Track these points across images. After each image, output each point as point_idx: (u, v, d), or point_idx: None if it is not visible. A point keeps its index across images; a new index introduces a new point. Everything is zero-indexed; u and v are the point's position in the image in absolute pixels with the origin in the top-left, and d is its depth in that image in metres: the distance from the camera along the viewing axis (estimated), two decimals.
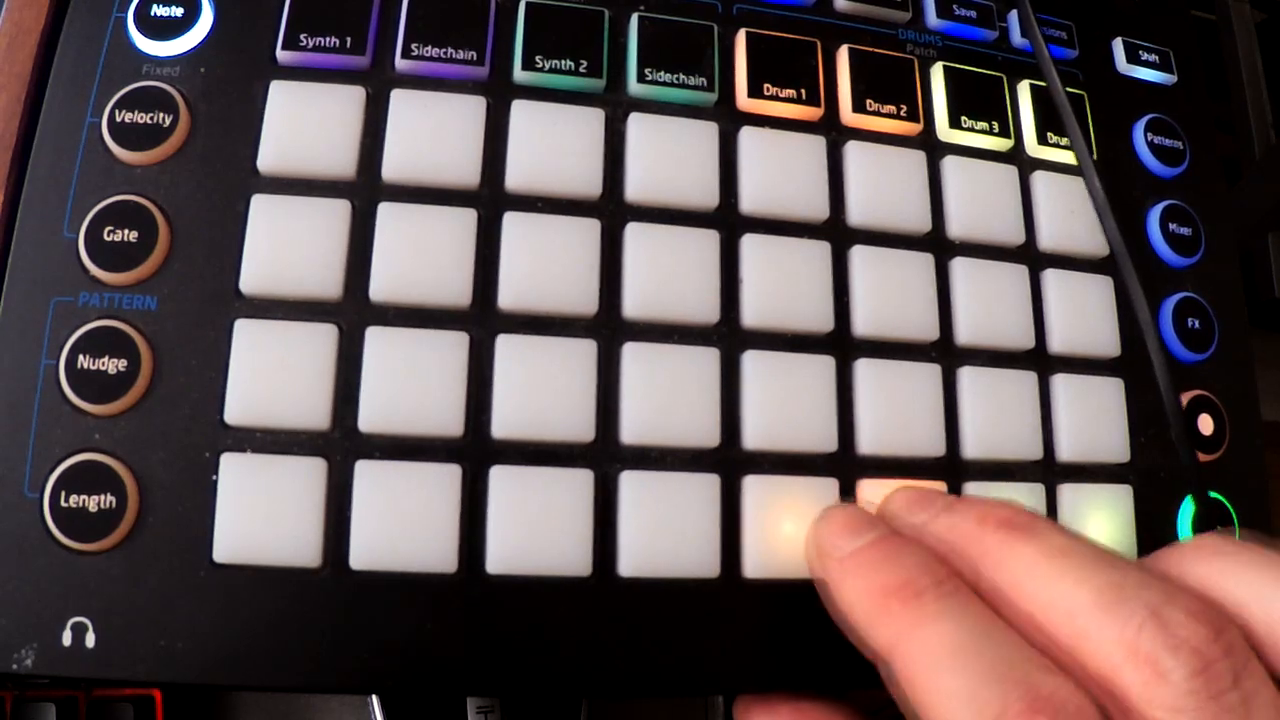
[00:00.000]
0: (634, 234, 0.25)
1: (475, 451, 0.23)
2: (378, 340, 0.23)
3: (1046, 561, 0.19)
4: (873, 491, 0.25)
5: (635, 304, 0.25)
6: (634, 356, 0.24)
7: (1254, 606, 0.18)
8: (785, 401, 0.25)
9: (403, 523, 0.22)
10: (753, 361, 0.25)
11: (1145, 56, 0.32)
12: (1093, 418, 0.27)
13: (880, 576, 0.20)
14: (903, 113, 0.28)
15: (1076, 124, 0.28)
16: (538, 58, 0.26)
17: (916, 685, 0.18)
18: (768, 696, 0.24)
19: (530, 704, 0.35)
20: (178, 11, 0.25)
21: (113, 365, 0.22)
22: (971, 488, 0.26)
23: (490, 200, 0.25)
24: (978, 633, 0.19)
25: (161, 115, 0.24)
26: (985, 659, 0.18)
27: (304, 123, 0.24)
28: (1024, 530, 0.20)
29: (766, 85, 0.27)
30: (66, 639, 0.21)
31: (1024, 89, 0.30)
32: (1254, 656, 0.17)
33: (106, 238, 0.23)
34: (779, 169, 0.26)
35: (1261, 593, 0.18)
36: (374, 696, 0.34)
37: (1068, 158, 0.29)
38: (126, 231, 0.23)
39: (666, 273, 0.25)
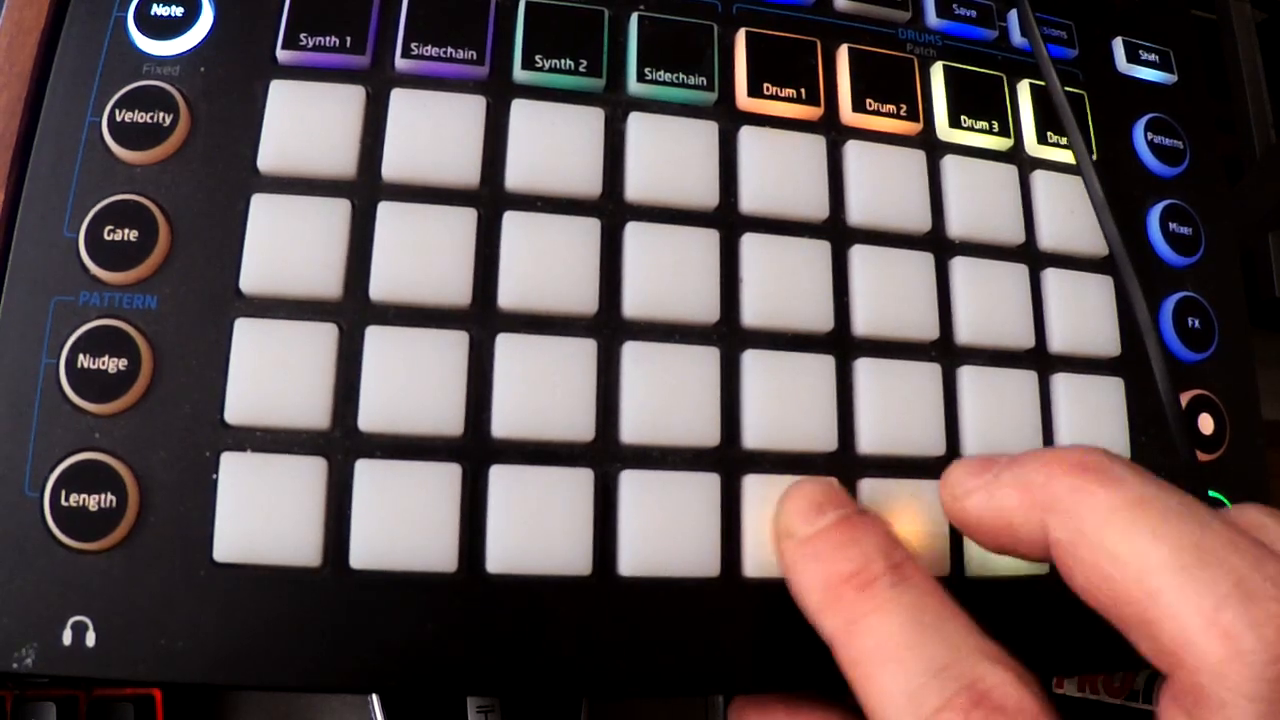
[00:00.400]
0: (634, 233, 0.25)
1: (475, 451, 0.23)
2: (378, 339, 0.23)
3: (1122, 511, 0.17)
4: (873, 490, 0.25)
5: (635, 303, 0.25)
6: (634, 356, 0.24)
7: None
8: (785, 401, 0.25)
9: (403, 522, 0.22)
10: (753, 361, 0.25)
11: (1145, 56, 0.32)
12: (1093, 417, 0.27)
13: (832, 563, 0.20)
14: (902, 112, 0.28)
15: (1076, 124, 0.28)
16: (537, 57, 0.26)
17: (860, 675, 0.18)
18: (762, 698, 0.24)
19: (530, 703, 0.35)
20: (178, 11, 0.25)
21: (113, 364, 0.22)
22: None
23: (490, 199, 0.25)
24: (924, 624, 0.18)
25: (162, 115, 0.24)
26: (928, 652, 0.18)
27: (304, 122, 0.24)
28: (1098, 474, 0.18)
29: (766, 85, 0.27)
30: (67, 638, 0.21)
31: (1024, 88, 0.30)
32: None
33: (107, 237, 0.23)
34: (779, 168, 0.26)
35: None
36: (374, 696, 0.34)
37: (1068, 157, 0.29)
38: (127, 231, 0.23)
39: (666, 272, 0.25)
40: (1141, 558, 0.17)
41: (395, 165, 0.24)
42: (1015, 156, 0.29)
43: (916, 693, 0.17)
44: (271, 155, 0.24)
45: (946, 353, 0.27)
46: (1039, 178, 0.29)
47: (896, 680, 0.17)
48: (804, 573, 0.21)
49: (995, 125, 0.29)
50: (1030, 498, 0.19)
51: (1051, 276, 0.28)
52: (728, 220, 0.26)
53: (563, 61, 0.26)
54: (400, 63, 0.25)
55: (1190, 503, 0.17)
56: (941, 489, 0.22)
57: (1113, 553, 0.17)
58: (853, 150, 0.27)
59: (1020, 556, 0.20)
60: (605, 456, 0.24)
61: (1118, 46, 0.32)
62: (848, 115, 0.28)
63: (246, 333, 0.23)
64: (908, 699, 0.17)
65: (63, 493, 0.21)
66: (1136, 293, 0.27)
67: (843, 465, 0.25)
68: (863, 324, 0.26)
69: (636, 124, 0.26)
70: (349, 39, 0.25)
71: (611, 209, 0.25)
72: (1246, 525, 0.18)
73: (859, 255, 0.26)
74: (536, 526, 0.23)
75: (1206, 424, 0.29)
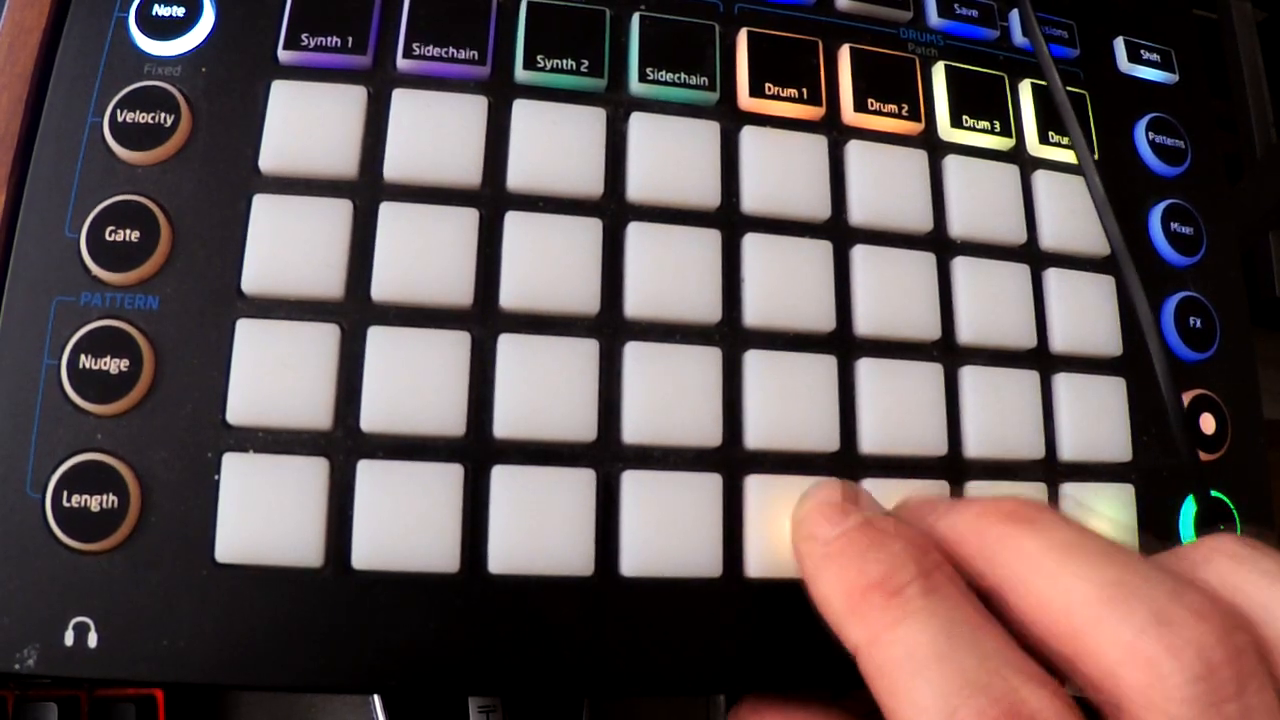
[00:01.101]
0: (635, 233, 0.25)
1: (477, 451, 0.23)
2: (379, 340, 0.23)
3: (1048, 555, 0.18)
4: (875, 491, 0.25)
5: (637, 303, 0.25)
6: (636, 356, 0.24)
7: (1273, 618, 0.17)
8: (787, 401, 0.25)
9: (405, 522, 0.22)
10: (754, 361, 0.25)
11: (1146, 55, 0.32)
12: (1094, 417, 0.27)
13: (859, 569, 0.19)
14: (904, 112, 0.28)
15: (1077, 123, 0.28)
16: (539, 57, 0.26)
17: (888, 689, 0.18)
18: (764, 697, 0.24)
19: (532, 703, 0.35)
20: (179, 11, 0.25)
21: (114, 365, 0.22)
22: (973, 487, 0.26)
23: (492, 200, 0.25)
24: (958, 636, 0.17)
25: (163, 115, 0.24)
26: (963, 666, 0.17)
27: (305, 122, 0.24)
28: (1026, 523, 0.19)
29: (768, 85, 0.27)
30: (69, 639, 0.21)
31: (1025, 88, 0.30)
32: (1262, 667, 0.16)
33: (108, 237, 0.23)
34: (780, 168, 0.26)
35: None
36: (376, 696, 0.34)
37: (1069, 157, 0.29)
38: (128, 231, 0.23)
39: (668, 272, 0.25)
40: (1066, 596, 0.17)
41: (397, 165, 0.24)
42: (1017, 156, 0.29)
43: (950, 708, 0.16)
44: (273, 155, 0.24)
45: (948, 352, 0.27)
46: (1040, 177, 0.29)
47: (927, 695, 0.17)
48: (827, 578, 0.20)
49: (997, 125, 0.29)
50: (961, 549, 0.20)
51: (1053, 276, 0.28)
52: (729, 220, 0.26)
53: (564, 61, 0.26)
54: (402, 63, 0.25)
55: (1113, 545, 0.18)
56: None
57: (1040, 594, 0.18)
58: (854, 150, 0.27)
59: None
60: (607, 457, 0.24)
61: (1119, 46, 0.32)
62: (849, 115, 0.28)
63: (248, 333, 0.23)
64: (940, 715, 0.16)
65: (64, 493, 0.21)
66: (1138, 292, 0.27)
67: (844, 465, 0.25)
68: (864, 324, 0.26)
69: (638, 124, 0.26)
70: (350, 39, 0.25)
71: (613, 209, 0.25)
72: (1199, 558, 0.19)
73: (860, 255, 0.26)
74: (538, 527, 0.23)
75: (1208, 423, 0.29)
